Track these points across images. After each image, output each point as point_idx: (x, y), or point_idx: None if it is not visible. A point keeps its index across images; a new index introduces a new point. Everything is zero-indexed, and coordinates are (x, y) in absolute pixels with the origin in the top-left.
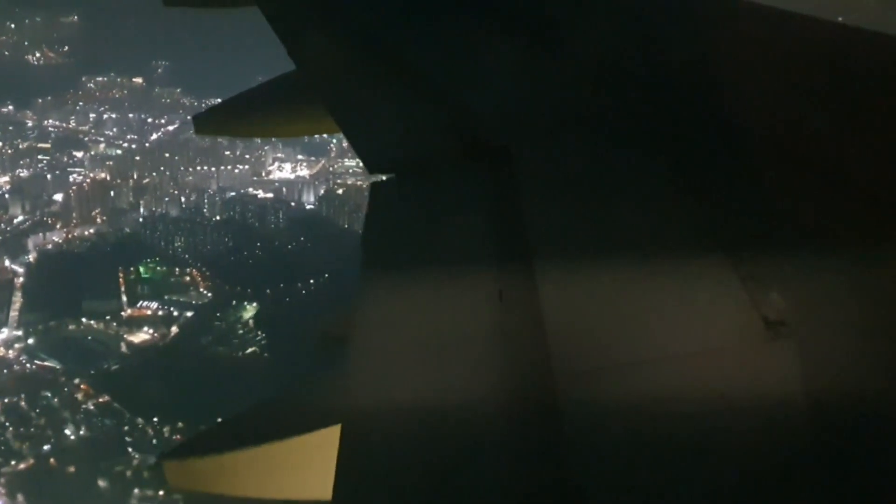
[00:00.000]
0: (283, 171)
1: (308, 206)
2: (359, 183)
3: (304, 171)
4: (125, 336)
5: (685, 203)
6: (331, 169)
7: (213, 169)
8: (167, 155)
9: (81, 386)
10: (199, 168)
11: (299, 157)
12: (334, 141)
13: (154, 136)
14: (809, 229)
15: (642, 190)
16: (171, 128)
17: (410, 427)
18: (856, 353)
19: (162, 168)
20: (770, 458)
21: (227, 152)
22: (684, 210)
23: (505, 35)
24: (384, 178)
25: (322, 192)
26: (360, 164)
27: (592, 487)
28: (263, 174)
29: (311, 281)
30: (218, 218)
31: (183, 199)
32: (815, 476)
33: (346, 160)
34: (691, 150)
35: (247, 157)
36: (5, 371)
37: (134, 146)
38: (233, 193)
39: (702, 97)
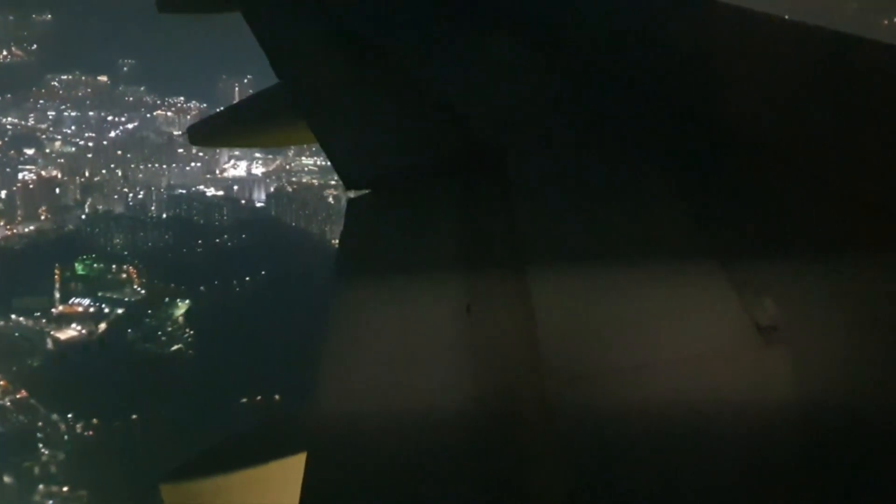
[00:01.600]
0: (237, 169)
1: (259, 204)
2: (313, 181)
3: (259, 169)
4: (52, 332)
5: (679, 209)
6: (287, 167)
7: (164, 166)
8: (119, 153)
9: (0, 382)
10: (151, 166)
11: (256, 154)
12: None
13: (112, 134)
14: (802, 235)
15: (637, 196)
16: (130, 126)
17: (389, 442)
18: (848, 358)
19: (112, 165)
20: (762, 464)
21: (181, 150)
22: (678, 216)
23: (498, 35)
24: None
25: (272, 189)
26: (317, 162)
27: (584, 493)
28: (217, 172)
29: (248, 278)
30: (165, 216)
31: (130, 197)
32: (807, 481)
33: (304, 158)
34: (685, 155)
35: (201, 154)
36: None
37: (91, 144)
38: (182, 191)
39: (697, 102)
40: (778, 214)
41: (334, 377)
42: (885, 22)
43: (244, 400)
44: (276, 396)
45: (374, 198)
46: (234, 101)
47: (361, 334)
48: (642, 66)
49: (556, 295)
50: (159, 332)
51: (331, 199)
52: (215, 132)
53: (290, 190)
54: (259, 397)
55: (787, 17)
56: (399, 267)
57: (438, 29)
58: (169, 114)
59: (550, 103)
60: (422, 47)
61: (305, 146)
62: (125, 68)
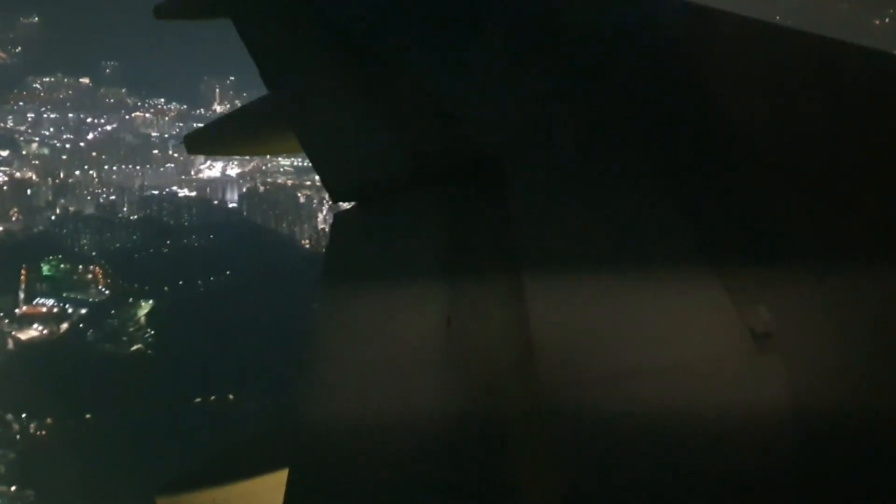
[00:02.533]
0: (212, 170)
1: (231, 205)
2: (287, 181)
3: (235, 170)
4: (14, 333)
5: (673, 215)
6: (263, 168)
7: (138, 168)
8: (95, 154)
9: None
10: (126, 167)
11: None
12: None
13: (90, 136)
14: (797, 242)
15: (632, 203)
16: (109, 127)
17: (374, 455)
18: (842, 365)
19: (86, 167)
20: (756, 470)
21: (156, 151)
22: (673, 222)
23: (492, 40)
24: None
25: (245, 190)
26: (294, 163)
27: (576, 497)
28: (192, 173)
29: (212, 278)
30: (135, 217)
31: (102, 198)
32: (801, 488)
33: (281, 158)
34: (681, 162)
35: (176, 155)
36: None
37: (68, 146)
38: (155, 192)
39: (693, 109)
40: (773, 221)
41: (322, 391)
42: (877, 22)
43: (198, 400)
44: (231, 396)
45: (361, 210)
46: (216, 103)
47: (348, 350)
48: (638, 72)
49: (551, 300)
50: (120, 333)
51: (302, 199)
52: (211, 141)
53: (262, 190)
54: (213, 397)
55: (778, 17)
56: (385, 280)
57: (429, 37)
58: (147, 115)
59: (544, 109)
60: (413, 56)
61: None
62: (107, 70)
